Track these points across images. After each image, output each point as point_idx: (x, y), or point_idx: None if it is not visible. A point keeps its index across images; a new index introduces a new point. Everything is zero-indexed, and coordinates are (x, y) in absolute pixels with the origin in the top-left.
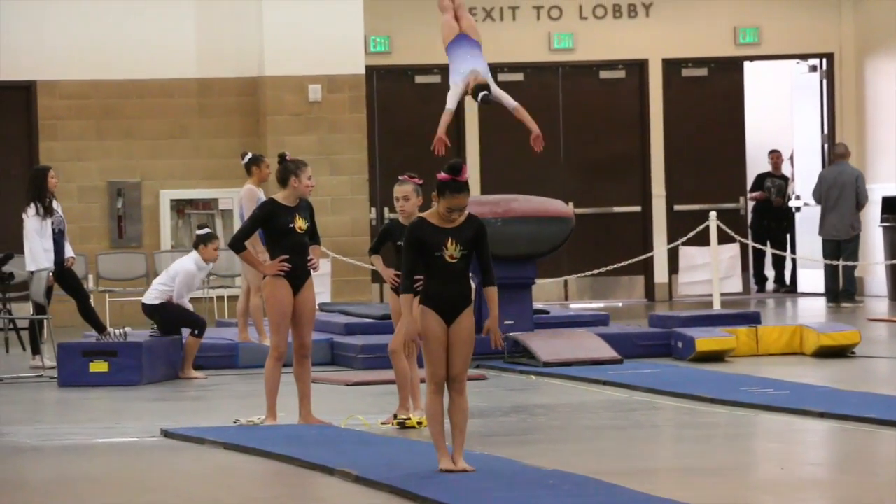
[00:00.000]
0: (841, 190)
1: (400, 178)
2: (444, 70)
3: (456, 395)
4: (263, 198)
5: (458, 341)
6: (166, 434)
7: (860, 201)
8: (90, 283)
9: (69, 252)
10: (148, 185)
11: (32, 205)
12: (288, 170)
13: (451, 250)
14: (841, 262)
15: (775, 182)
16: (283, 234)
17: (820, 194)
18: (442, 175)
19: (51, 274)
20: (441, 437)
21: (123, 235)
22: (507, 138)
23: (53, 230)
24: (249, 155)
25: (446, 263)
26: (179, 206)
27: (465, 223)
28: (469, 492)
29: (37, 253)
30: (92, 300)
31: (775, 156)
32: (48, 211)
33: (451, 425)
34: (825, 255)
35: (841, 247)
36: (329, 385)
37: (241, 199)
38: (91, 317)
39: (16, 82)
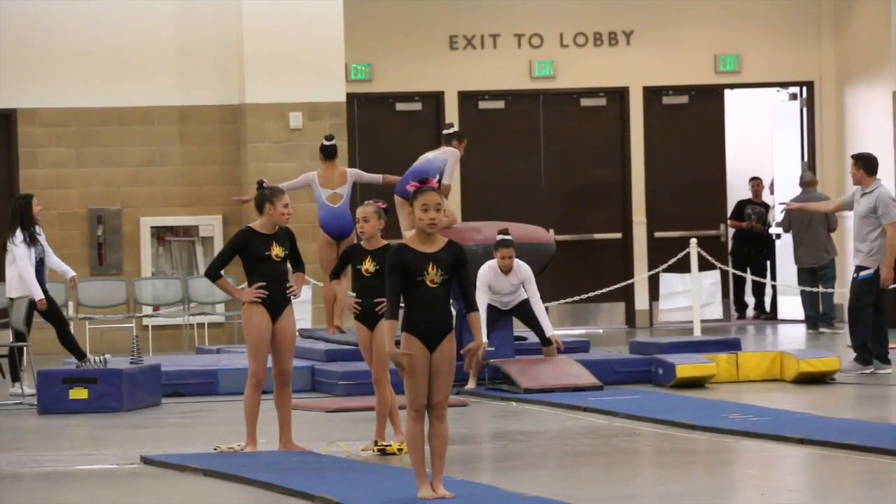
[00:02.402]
0: (810, 217)
1: (366, 203)
2: (424, 97)
3: (437, 422)
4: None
5: (440, 368)
6: (146, 461)
7: (830, 226)
8: (70, 310)
9: (70, 272)
10: (128, 213)
11: (20, 232)
12: (264, 197)
13: (433, 275)
14: (820, 289)
15: (755, 209)
16: (259, 261)
17: (789, 223)
18: (411, 185)
19: (43, 300)
20: (421, 464)
21: (104, 262)
22: (487, 165)
23: (35, 259)
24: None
25: (427, 289)
26: (160, 234)
27: (445, 248)
28: None
29: (26, 279)
30: (72, 327)
31: (756, 183)
32: (34, 240)
33: (431, 451)
34: (801, 283)
35: (817, 273)
36: (309, 412)
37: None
38: (70, 344)
39: None
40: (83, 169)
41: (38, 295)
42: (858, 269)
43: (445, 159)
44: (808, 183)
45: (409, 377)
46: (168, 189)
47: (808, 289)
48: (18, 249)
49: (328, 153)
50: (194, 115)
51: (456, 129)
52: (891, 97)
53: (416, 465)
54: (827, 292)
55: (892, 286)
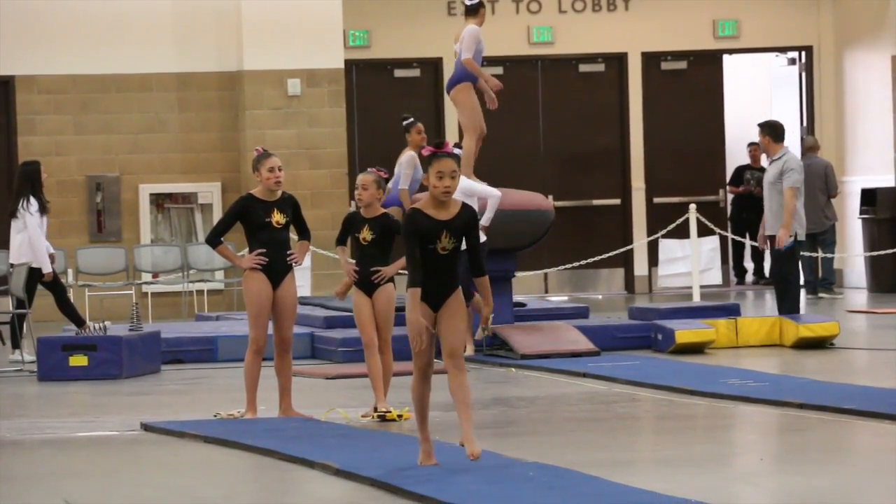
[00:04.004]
0: (810, 183)
1: (368, 170)
2: (422, 64)
3: (456, 372)
4: (482, 40)
5: (448, 319)
6: (146, 428)
7: (830, 192)
8: (70, 278)
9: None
10: (127, 180)
11: (34, 200)
12: (253, 164)
13: (444, 242)
14: (820, 254)
15: (754, 174)
16: (259, 227)
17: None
18: (426, 149)
19: (51, 272)
20: (424, 425)
21: (103, 230)
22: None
23: (45, 229)
24: (410, 119)
25: (437, 255)
26: (159, 201)
27: (459, 214)
28: (450, 484)
29: (40, 253)
30: (71, 295)
31: (754, 148)
32: (44, 209)
33: (456, 402)
34: (804, 248)
35: (817, 239)
36: (309, 378)
37: (399, 165)
38: (69, 311)
39: None
40: (81, 136)
41: (47, 268)
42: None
43: (399, 172)
44: (809, 148)
45: (413, 336)
46: (167, 156)
47: (807, 254)
48: (33, 218)
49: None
50: (192, 81)
51: (409, 118)
52: (889, 62)
53: (420, 424)
54: (827, 257)
55: (785, 246)
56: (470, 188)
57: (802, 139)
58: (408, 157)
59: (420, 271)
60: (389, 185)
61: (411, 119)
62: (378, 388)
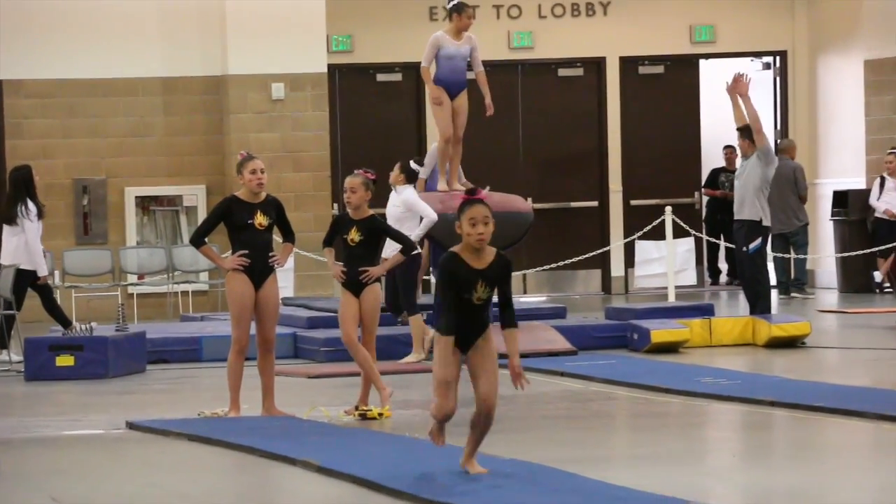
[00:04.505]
0: (781, 184)
1: (356, 172)
2: (404, 68)
3: (488, 415)
4: (444, 45)
5: (480, 365)
6: (132, 426)
7: (800, 193)
8: (56, 279)
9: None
10: (113, 183)
11: (32, 206)
12: (237, 167)
13: (480, 293)
14: (792, 255)
15: (729, 177)
16: (241, 229)
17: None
18: (461, 196)
19: (46, 275)
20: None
21: (89, 232)
22: (466, 134)
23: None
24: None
25: (472, 304)
26: (144, 203)
27: (493, 263)
28: (428, 482)
29: (38, 258)
30: (58, 296)
31: (729, 151)
32: (41, 213)
33: (473, 431)
34: (774, 249)
35: (789, 239)
36: (292, 378)
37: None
38: (56, 312)
39: None
40: (68, 139)
41: (43, 271)
42: (747, 228)
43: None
44: (784, 150)
45: (437, 377)
46: (152, 159)
47: (779, 255)
48: (31, 223)
49: None
50: (178, 86)
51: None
52: (862, 66)
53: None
54: (799, 258)
55: (752, 248)
56: (413, 203)
57: (778, 142)
58: (432, 150)
59: (454, 317)
60: (423, 176)
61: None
62: (369, 386)
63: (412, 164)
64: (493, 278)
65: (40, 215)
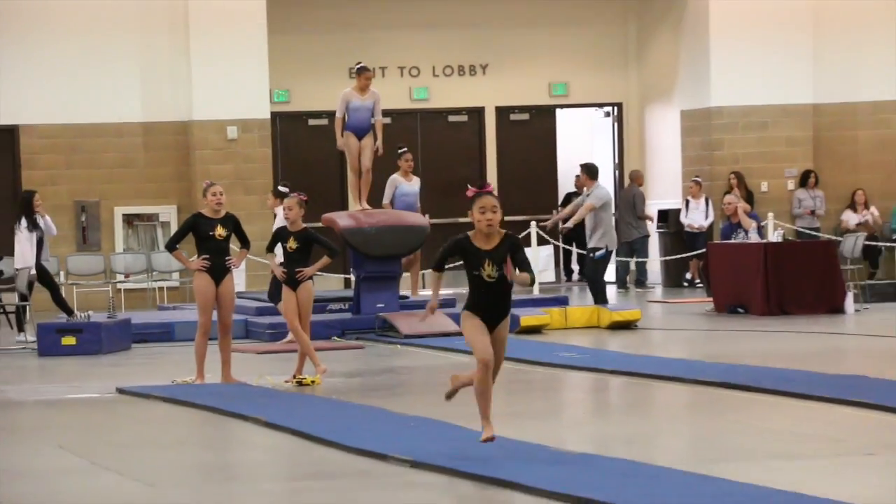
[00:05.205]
0: (624, 205)
1: (291, 194)
2: (329, 115)
3: (489, 377)
4: (351, 99)
5: (496, 345)
6: (121, 391)
7: (638, 212)
8: (61, 278)
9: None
10: (105, 204)
11: (24, 220)
12: (203, 191)
13: (489, 270)
14: (634, 259)
15: (578, 198)
16: (204, 239)
17: (616, 208)
18: (470, 190)
19: (32, 271)
20: (487, 410)
21: (86, 241)
22: (379, 167)
23: (35, 240)
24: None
25: (486, 282)
26: (129, 219)
27: (500, 244)
28: (346, 430)
29: (27, 255)
30: (63, 291)
31: (577, 178)
32: (34, 225)
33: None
34: (620, 254)
35: (632, 246)
36: (244, 353)
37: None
38: (61, 303)
39: (2, 126)
40: (70, 170)
41: (21, 265)
42: (592, 250)
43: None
44: (633, 179)
45: (474, 338)
46: (135, 185)
47: (622, 259)
48: (23, 234)
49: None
50: (154, 129)
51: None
52: (679, 114)
53: (483, 410)
54: (640, 261)
55: (598, 255)
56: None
57: (631, 173)
58: (391, 178)
59: (473, 297)
60: (386, 202)
61: (405, 148)
62: (305, 358)
63: (280, 187)
64: (499, 257)
65: (33, 228)
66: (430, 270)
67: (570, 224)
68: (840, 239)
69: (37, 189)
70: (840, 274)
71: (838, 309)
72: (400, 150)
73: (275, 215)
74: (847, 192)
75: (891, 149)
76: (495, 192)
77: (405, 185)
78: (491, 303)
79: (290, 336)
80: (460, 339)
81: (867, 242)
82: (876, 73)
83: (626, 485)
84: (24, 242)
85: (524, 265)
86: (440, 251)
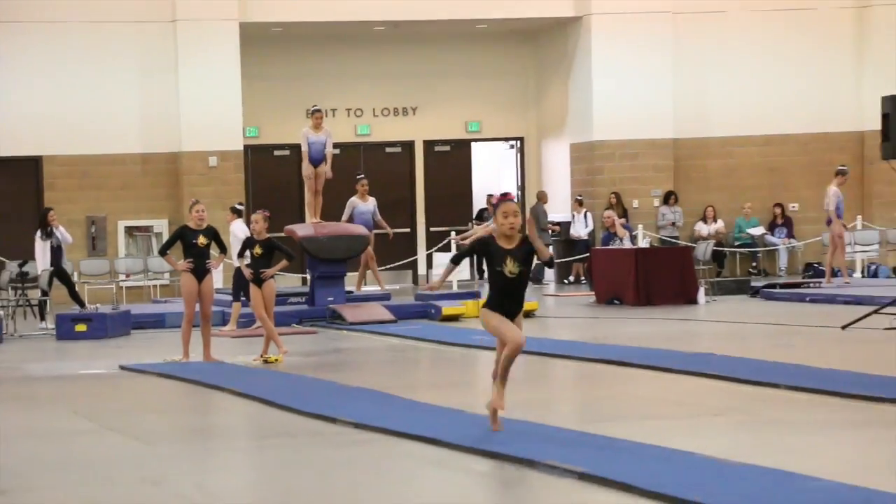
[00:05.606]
0: (533, 218)
1: (256, 211)
2: (291, 147)
3: (517, 349)
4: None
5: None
6: (123, 368)
7: (541, 225)
8: (75, 277)
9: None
10: (111, 218)
11: (39, 231)
12: (189, 208)
13: (510, 266)
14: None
15: (487, 214)
16: (189, 246)
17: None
18: (495, 197)
19: (50, 272)
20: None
21: (95, 248)
22: (331, 190)
23: (52, 246)
24: (361, 175)
25: (507, 278)
26: (130, 231)
27: (520, 245)
28: (302, 395)
29: (39, 259)
30: (77, 288)
31: (489, 198)
32: (48, 235)
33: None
34: None
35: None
36: (221, 338)
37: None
38: (76, 298)
39: (28, 156)
40: (83, 192)
41: (40, 270)
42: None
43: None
44: (539, 198)
45: (504, 328)
46: (135, 203)
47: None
48: (38, 243)
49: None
50: (150, 158)
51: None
52: (568, 147)
53: (499, 379)
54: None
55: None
56: (235, 232)
57: (538, 193)
58: (350, 200)
59: (495, 296)
60: (345, 219)
61: (362, 175)
62: (269, 342)
63: (236, 206)
64: (520, 256)
65: (48, 236)
66: (448, 261)
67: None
68: (694, 245)
69: (54, 206)
70: (694, 273)
71: (692, 300)
72: (358, 177)
73: (230, 229)
74: (700, 208)
75: (734, 175)
76: (516, 201)
77: (362, 205)
78: (510, 296)
79: (228, 326)
80: (393, 325)
81: (715, 248)
82: (723, 115)
83: (524, 441)
84: (38, 250)
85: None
86: (464, 249)
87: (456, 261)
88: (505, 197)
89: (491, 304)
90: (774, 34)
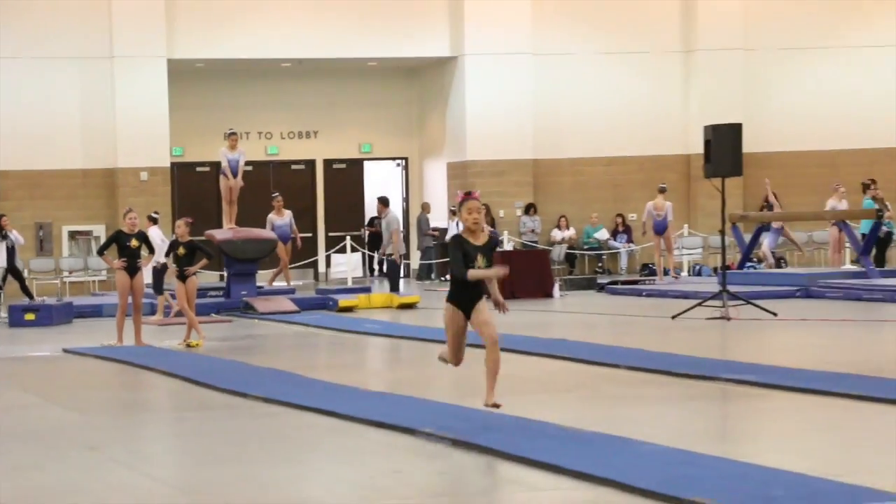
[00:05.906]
0: (419, 225)
1: (181, 218)
2: (211, 164)
3: (494, 349)
4: (227, 154)
5: (478, 316)
6: (66, 351)
7: (425, 232)
8: (26, 274)
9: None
10: (56, 223)
11: None
12: (123, 215)
13: (480, 263)
14: (403, 261)
15: (379, 221)
16: (123, 248)
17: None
18: (459, 195)
19: (4, 269)
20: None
21: (43, 249)
22: (244, 201)
23: (7, 247)
24: (276, 194)
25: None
26: (73, 235)
27: (487, 241)
28: (219, 374)
29: None
30: (27, 283)
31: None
32: (3, 238)
33: (487, 371)
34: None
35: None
36: (150, 325)
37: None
38: (26, 291)
39: None
40: (33, 201)
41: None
42: (389, 255)
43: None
44: (423, 208)
45: (448, 336)
46: (77, 212)
47: (424, 261)
48: None
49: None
50: (90, 174)
51: (276, 193)
52: (445, 166)
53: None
54: (426, 262)
55: (385, 253)
56: (153, 238)
57: (423, 204)
58: (268, 217)
59: (455, 290)
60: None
61: (276, 193)
62: (191, 329)
63: (152, 215)
64: (487, 251)
65: (1, 239)
66: (467, 273)
67: (390, 250)
68: (550, 248)
69: (7, 213)
70: (550, 271)
71: (549, 294)
72: (273, 195)
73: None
74: (555, 217)
75: (584, 189)
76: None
77: (278, 220)
78: (472, 293)
79: (156, 316)
80: (298, 315)
81: (568, 251)
82: (575, 140)
83: (407, 412)
84: None
85: (491, 263)
86: (456, 256)
87: (467, 266)
88: (470, 195)
89: (452, 297)
90: (617, 73)
